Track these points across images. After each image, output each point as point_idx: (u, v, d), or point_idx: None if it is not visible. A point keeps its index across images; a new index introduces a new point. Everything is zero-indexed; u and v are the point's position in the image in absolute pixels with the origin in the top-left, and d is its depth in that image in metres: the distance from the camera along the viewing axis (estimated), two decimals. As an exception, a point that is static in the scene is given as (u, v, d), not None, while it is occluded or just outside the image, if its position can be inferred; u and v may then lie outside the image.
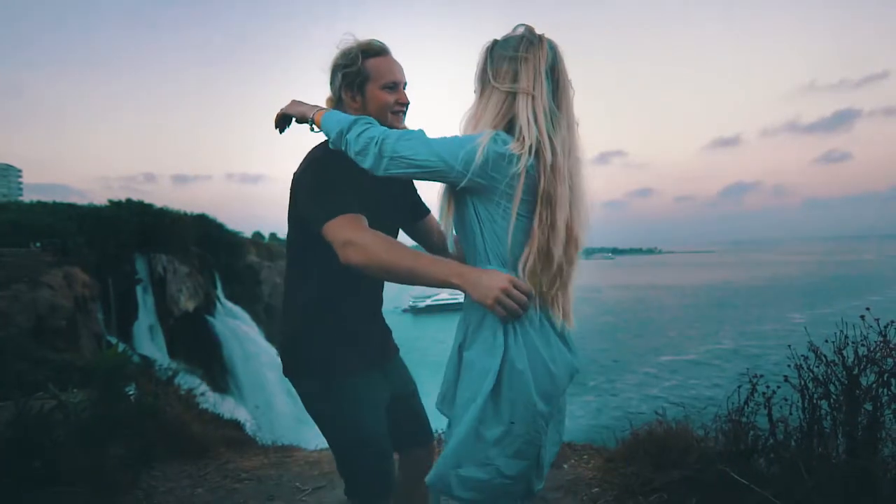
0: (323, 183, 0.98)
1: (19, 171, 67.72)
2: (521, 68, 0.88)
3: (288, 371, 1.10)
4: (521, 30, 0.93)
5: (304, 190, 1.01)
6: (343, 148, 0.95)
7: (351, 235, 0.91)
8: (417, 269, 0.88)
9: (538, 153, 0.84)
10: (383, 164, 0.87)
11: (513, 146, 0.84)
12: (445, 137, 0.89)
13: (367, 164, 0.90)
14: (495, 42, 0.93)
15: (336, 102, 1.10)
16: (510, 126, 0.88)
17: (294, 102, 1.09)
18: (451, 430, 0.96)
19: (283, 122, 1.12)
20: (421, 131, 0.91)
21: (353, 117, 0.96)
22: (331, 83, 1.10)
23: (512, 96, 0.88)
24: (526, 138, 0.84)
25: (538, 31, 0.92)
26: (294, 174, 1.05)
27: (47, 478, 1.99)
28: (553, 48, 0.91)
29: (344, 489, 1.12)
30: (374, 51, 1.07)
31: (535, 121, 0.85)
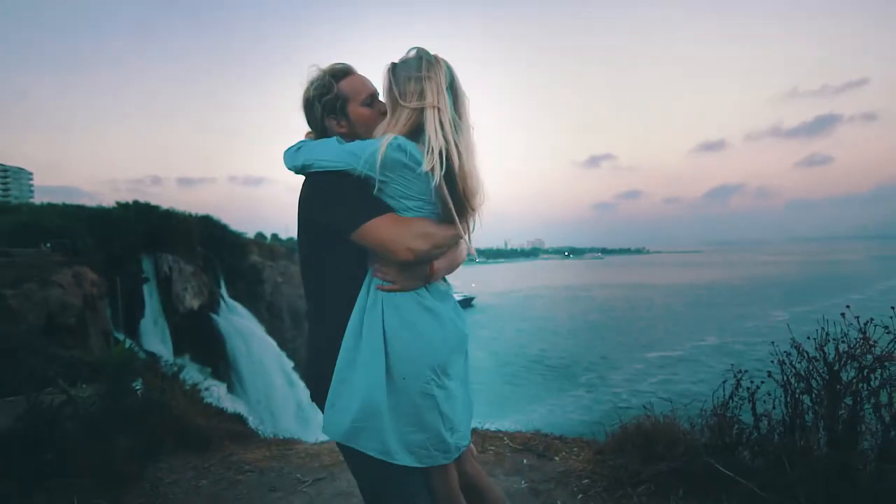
0: (344, 191, 0.99)
1: (30, 173, 68.60)
2: (426, 86, 1.00)
3: (318, 397, 1.05)
4: (414, 52, 1.04)
5: (323, 201, 1.00)
6: (287, 162, 1.06)
7: (407, 229, 0.98)
8: (450, 236, 1.02)
9: (448, 158, 0.97)
10: (308, 168, 1.01)
11: (426, 164, 0.96)
12: (354, 142, 1.03)
13: (288, 163, 1.05)
14: (395, 65, 1.04)
15: (319, 134, 1.12)
16: (416, 137, 1.00)
17: None
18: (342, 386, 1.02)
19: None
20: (336, 138, 1.05)
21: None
22: (309, 117, 1.11)
23: (420, 111, 1.00)
24: (434, 147, 0.96)
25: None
26: (301, 197, 1.04)
27: (58, 469, 2.07)
28: (449, 66, 1.04)
29: None
30: (342, 72, 1.11)
31: (442, 129, 0.98)
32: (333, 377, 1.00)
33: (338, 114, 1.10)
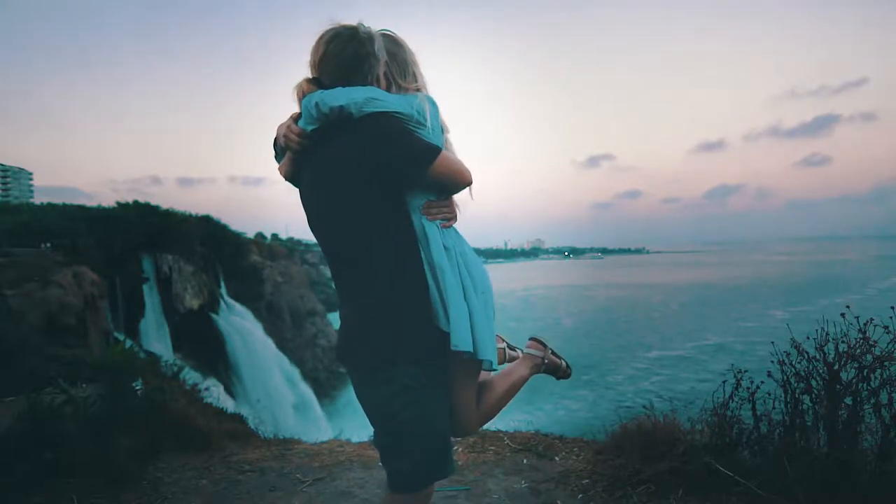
0: (411, 129, 1.03)
1: (31, 174, 68.57)
2: (416, 70, 1.13)
3: (399, 357, 1.01)
4: (387, 34, 1.11)
5: (405, 135, 1.01)
6: (336, 99, 1.01)
7: (460, 160, 1.10)
8: None
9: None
10: (370, 106, 1.00)
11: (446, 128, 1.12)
12: (392, 94, 1.07)
13: (339, 100, 1.00)
14: (383, 44, 1.09)
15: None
16: None
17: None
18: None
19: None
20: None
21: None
22: (356, 71, 1.04)
23: (414, 91, 1.11)
24: (441, 119, 1.11)
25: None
26: (371, 137, 0.98)
27: (58, 469, 2.07)
28: None
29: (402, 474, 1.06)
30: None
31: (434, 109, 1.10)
32: (451, 306, 1.02)
33: (376, 79, 1.09)
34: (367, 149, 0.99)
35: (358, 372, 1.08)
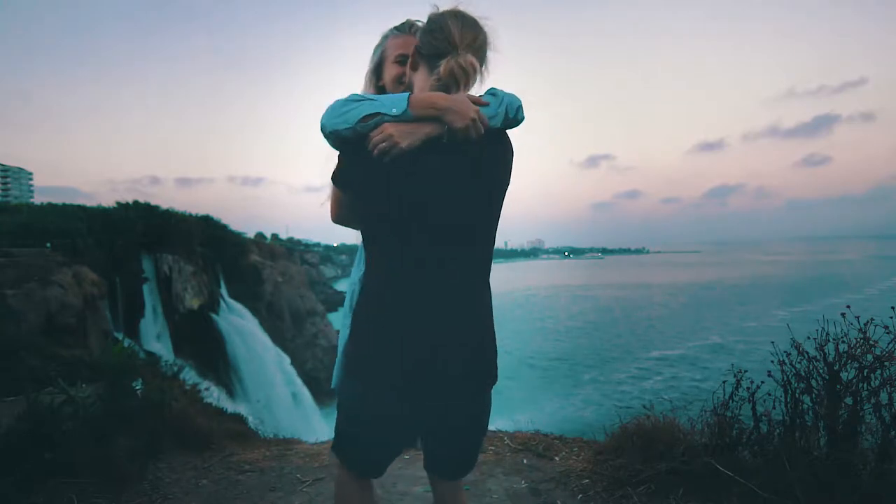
0: None
1: (30, 174, 68.57)
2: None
3: (491, 380, 0.99)
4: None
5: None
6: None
7: None
8: None
9: None
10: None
11: None
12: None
13: (520, 115, 1.01)
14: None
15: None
16: None
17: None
18: None
19: None
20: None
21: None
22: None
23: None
24: None
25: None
26: (508, 156, 0.99)
27: (57, 469, 2.07)
28: None
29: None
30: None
31: None
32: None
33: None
34: (507, 168, 1.03)
35: None
